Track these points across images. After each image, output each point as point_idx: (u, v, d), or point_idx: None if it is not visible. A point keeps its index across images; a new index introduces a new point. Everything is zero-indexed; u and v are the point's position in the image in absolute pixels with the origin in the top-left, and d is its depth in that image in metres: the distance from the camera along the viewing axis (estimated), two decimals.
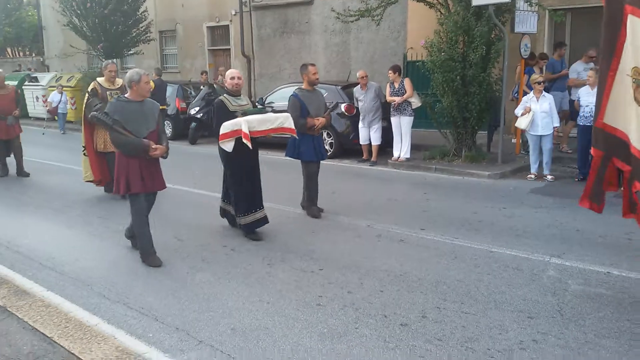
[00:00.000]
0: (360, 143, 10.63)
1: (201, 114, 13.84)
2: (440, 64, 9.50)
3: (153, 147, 5.12)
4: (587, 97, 8.22)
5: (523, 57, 10.10)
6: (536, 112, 8.50)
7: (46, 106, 17.83)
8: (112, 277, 5.03)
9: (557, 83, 10.19)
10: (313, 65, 6.94)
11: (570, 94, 10.05)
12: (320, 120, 6.77)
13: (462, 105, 9.57)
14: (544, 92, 8.66)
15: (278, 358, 3.59)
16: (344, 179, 9.28)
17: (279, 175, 8.82)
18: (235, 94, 5.95)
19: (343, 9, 12.15)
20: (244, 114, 5.77)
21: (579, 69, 9.80)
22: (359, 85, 10.35)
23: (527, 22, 9.89)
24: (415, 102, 10.03)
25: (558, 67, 10.23)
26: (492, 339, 3.76)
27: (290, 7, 16.89)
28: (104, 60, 16.21)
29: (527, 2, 9.59)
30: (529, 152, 9.06)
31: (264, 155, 6.31)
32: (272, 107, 11.77)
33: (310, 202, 6.93)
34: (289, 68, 17.05)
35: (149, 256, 5.33)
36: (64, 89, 17.28)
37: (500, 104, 9.79)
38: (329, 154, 9.69)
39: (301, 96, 6.79)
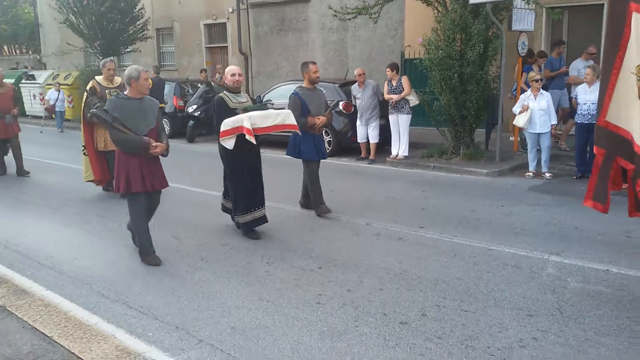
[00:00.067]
0: (358, 141, 10.63)
1: (199, 112, 13.82)
2: (437, 62, 9.50)
3: (153, 144, 5.08)
4: (584, 95, 8.23)
5: (520, 55, 10.11)
6: (534, 110, 8.51)
7: (43, 104, 17.78)
8: (112, 276, 5.03)
9: (555, 81, 10.19)
10: (314, 63, 6.89)
11: (570, 92, 10.06)
12: (321, 119, 6.74)
13: (459, 103, 9.58)
14: (541, 90, 8.66)
15: (278, 357, 3.59)
16: (342, 177, 9.28)
17: (278, 173, 8.81)
18: (235, 90, 5.92)
19: (340, 7, 12.12)
20: (245, 110, 5.74)
21: (579, 67, 9.79)
22: (357, 83, 10.35)
23: (524, 19, 9.90)
24: (413, 100, 10.03)
25: (557, 65, 10.23)
26: (492, 337, 3.77)
27: (287, 4, 16.85)
28: (101, 58, 16.18)
29: (524, 0, 9.59)
30: (527, 149, 9.07)
31: (263, 154, 6.29)
32: (272, 104, 11.74)
33: (318, 201, 6.83)
34: (286, 66, 17.03)
35: (148, 255, 5.32)
36: (61, 86, 17.22)
37: (497, 102, 9.80)
38: (327, 152, 9.67)
39: (302, 95, 6.76)
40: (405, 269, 5.03)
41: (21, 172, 9.77)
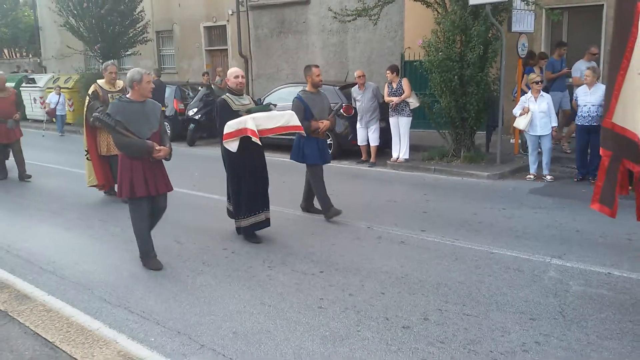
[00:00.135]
0: (359, 144, 10.62)
1: (199, 115, 13.82)
2: (437, 64, 9.50)
3: (157, 148, 5.06)
4: (584, 96, 8.22)
5: (520, 57, 10.11)
6: (534, 112, 8.51)
7: (44, 108, 17.78)
8: (113, 281, 5.02)
9: (556, 83, 10.18)
10: (317, 67, 6.85)
11: (573, 94, 10.05)
12: (324, 123, 6.71)
13: (460, 106, 9.57)
14: (542, 92, 8.66)
15: None
16: (343, 180, 9.27)
17: (280, 177, 8.80)
18: (238, 93, 5.91)
19: (340, 9, 12.13)
20: (248, 112, 5.73)
21: (582, 68, 9.76)
22: (357, 85, 10.35)
23: (524, 21, 9.91)
24: (414, 102, 10.02)
25: (558, 67, 10.22)
26: (495, 341, 3.77)
27: (287, 6, 16.87)
28: (101, 61, 16.19)
29: (524, 1, 9.60)
30: (527, 152, 9.06)
31: (266, 157, 6.28)
32: (274, 106, 11.74)
33: (327, 206, 6.76)
34: (286, 68, 17.04)
35: (149, 260, 5.31)
36: (62, 90, 17.22)
37: (498, 104, 9.80)
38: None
39: (305, 98, 6.73)
40: (406, 273, 5.03)
41: (23, 176, 9.72)
